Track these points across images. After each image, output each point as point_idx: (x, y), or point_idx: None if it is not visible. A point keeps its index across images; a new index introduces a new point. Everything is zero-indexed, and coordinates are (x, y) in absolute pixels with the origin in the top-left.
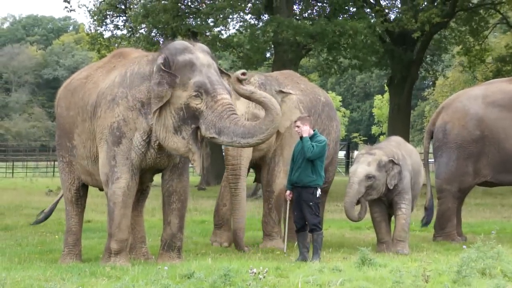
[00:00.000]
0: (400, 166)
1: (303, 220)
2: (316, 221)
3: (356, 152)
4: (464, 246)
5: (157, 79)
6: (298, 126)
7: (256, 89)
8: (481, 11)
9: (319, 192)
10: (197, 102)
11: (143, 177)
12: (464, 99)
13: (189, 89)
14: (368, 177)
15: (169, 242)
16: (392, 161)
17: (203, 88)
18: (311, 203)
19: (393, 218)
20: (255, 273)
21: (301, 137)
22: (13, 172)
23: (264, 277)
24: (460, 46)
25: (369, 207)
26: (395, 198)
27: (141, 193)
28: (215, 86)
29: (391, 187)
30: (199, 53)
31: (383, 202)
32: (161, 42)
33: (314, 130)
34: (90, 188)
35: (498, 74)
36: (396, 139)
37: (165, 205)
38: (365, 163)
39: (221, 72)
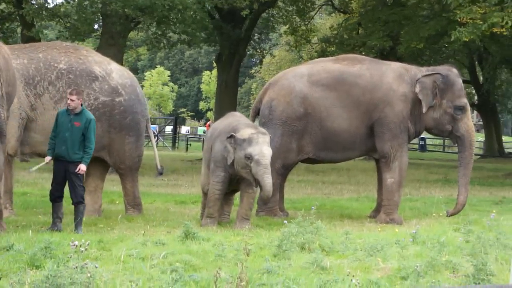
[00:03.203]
0: None
1: (61, 192)
2: (83, 193)
3: (184, 128)
4: (285, 221)
5: None
6: (73, 101)
7: None
8: None
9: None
10: None
11: None
12: (290, 76)
13: None
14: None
15: None
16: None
17: None
18: (79, 175)
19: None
20: (76, 245)
21: (71, 111)
22: None
23: (86, 249)
24: (287, 26)
25: (214, 183)
26: (245, 175)
27: None
28: None
29: None
30: None
31: (232, 180)
32: None
33: (81, 105)
34: None
35: (322, 54)
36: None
37: None
38: (266, 143)
39: None
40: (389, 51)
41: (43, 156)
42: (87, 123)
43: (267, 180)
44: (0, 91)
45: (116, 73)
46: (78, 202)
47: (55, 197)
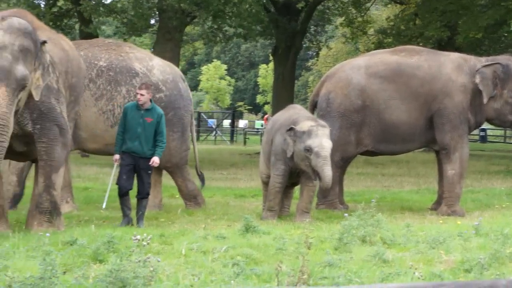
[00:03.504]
0: None
1: (131, 186)
2: (149, 190)
3: (242, 121)
4: (346, 214)
5: None
6: (143, 95)
7: None
8: None
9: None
10: None
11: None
12: (347, 69)
13: None
14: None
15: (36, 203)
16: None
17: None
18: (149, 172)
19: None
20: (138, 240)
21: (141, 106)
22: None
23: (148, 244)
24: (343, 18)
25: (275, 176)
26: (305, 167)
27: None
28: None
29: None
30: None
31: (292, 173)
32: (42, 6)
33: (150, 100)
34: None
35: (379, 46)
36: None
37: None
38: (326, 136)
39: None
40: (447, 42)
41: (87, 152)
42: (159, 118)
43: (327, 172)
44: (56, 85)
45: (158, 69)
46: (143, 197)
47: (125, 191)
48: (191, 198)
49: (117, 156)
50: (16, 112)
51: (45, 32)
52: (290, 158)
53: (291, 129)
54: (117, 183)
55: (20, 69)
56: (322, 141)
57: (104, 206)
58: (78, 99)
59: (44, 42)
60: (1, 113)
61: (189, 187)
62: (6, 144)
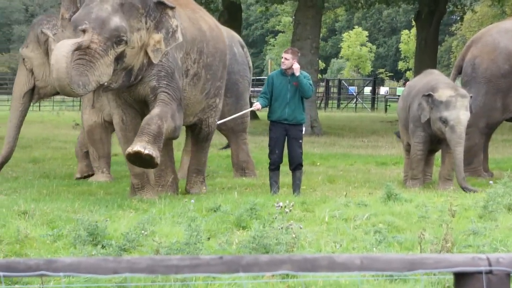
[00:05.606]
0: None
1: (281, 160)
2: (301, 160)
3: (383, 88)
4: (491, 182)
5: None
6: (287, 59)
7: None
8: None
9: (304, 129)
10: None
11: (143, 111)
12: (494, 32)
13: None
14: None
15: (143, 126)
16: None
17: (74, 24)
18: (301, 141)
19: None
20: (281, 206)
21: (285, 71)
22: (39, 106)
23: (290, 211)
24: None
25: (415, 144)
26: (441, 135)
27: None
28: (83, 23)
29: None
30: None
31: (432, 141)
32: None
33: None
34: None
35: None
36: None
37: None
38: (464, 108)
39: (161, 4)
40: None
41: None
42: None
43: (459, 154)
44: (180, 62)
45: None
46: (296, 167)
47: (277, 165)
48: (239, 169)
49: (259, 105)
50: (128, 70)
51: (187, 10)
52: (427, 124)
53: (429, 95)
54: (269, 157)
55: (115, 20)
56: (459, 113)
57: (218, 122)
58: (215, 76)
59: (171, 8)
60: (89, 50)
61: (240, 157)
62: (88, 79)
